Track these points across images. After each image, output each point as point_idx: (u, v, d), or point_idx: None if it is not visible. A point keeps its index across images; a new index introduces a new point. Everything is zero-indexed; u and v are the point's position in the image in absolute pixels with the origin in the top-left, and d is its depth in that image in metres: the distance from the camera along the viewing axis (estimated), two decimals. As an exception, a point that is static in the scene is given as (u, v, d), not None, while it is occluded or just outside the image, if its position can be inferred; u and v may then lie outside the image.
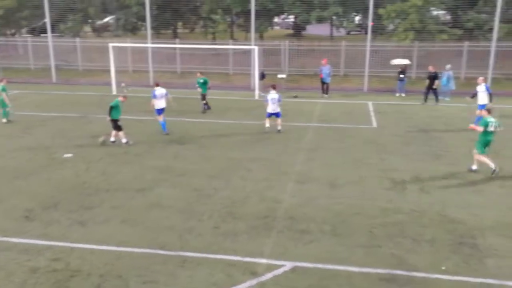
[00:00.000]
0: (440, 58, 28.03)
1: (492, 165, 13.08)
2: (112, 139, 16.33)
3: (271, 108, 17.82)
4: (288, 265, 8.61)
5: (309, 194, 11.92)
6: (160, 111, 17.40)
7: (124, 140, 16.15)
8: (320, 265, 8.61)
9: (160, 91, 17.33)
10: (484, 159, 13.26)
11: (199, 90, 21.62)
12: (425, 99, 24.13)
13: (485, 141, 13.21)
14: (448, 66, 25.19)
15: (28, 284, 8.04)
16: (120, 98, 16.29)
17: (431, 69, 24.23)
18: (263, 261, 8.76)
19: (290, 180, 12.94)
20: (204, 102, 21.76)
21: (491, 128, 13.03)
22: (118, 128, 16.14)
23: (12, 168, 13.89)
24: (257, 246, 9.28)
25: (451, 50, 29.04)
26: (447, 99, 24.91)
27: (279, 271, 8.43)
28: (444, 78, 24.96)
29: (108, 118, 15.98)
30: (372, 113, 21.70)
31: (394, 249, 9.20)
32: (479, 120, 13.99)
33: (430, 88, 24.14)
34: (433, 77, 24.02)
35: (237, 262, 8.72)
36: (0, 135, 17.60)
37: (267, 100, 17.93)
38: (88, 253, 9.02)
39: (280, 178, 13.06)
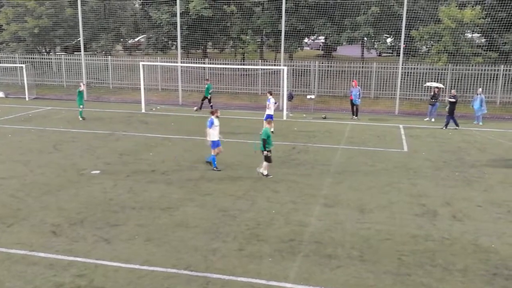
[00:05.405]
0: (474, 82, 27.53)
1: None
2: (265, 172, 14.93)
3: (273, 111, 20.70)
4: (313, 290, 8.39)
5: (337, 218, 11.66)
6: None
7: (260, 170, 14.93)
8: (346, 292, 8.36)
9: None
10: None
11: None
12: (447, 124, 23.49)
13: None
14: (480, 90, 24.70)
15: (51, 300, 8.04)
16: (267, 125, 14.70)
17: (454, 92, 23.87)
18: (288, 285, 8.55)
19: (317, 203, 12.71)
20: (202, 103, 27.05)
21: None
22: (268, 159, 14.71)
23: (41, 184, 14.07)
24: (282, 270, 9.08)
25: (486, 74, 28.50)
26: (480, 123, 24.33)
27: (304, 297, 8.22)
28: (477, 102, 24.44)
29: (265, 152, 14.47)
30: (403, 137, 21.30)
31: (424, 277, 8.87)
32: None
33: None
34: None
35: (261, 285, 8.54)
36: (30, 151, 17.89)
37: (276, 103, 21.00)
38: (112, 271, 8.98)
39: (306, 201, 12.84)
